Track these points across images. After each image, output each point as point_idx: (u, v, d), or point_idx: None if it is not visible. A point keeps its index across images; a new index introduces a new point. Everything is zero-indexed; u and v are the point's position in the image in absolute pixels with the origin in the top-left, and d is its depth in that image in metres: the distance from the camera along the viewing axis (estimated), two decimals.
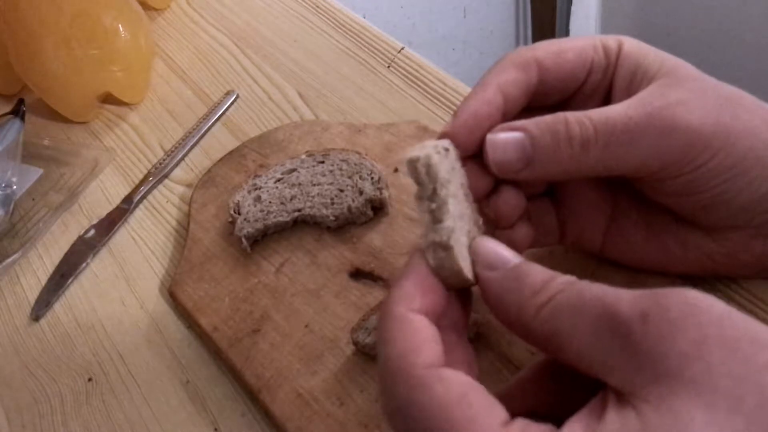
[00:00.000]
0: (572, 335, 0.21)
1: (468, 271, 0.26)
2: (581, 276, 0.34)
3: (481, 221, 0.29)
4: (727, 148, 0.27)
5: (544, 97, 0.30)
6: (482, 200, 0.30)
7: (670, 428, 0.18)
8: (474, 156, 0.29)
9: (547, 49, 0.30)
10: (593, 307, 0.21)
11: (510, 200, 0.30)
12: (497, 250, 0.25)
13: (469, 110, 0.29)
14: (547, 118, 0.28)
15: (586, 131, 0.27)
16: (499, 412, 0.21)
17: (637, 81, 0.29)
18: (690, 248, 0.31)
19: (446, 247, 0.25)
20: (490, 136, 0.28)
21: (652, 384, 0.19)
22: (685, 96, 0.27)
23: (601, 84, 0.30)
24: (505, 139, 0.28)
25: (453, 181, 0.27)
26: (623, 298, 0.21)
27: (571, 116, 0.27)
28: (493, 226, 0.31)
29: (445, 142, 0.28)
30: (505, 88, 0.29)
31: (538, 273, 0.24)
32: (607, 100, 0.30)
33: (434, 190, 0.26)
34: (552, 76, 0.30)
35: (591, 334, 0.21)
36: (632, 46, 0.30)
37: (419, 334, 0.23)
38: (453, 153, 0.28)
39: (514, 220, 0.30)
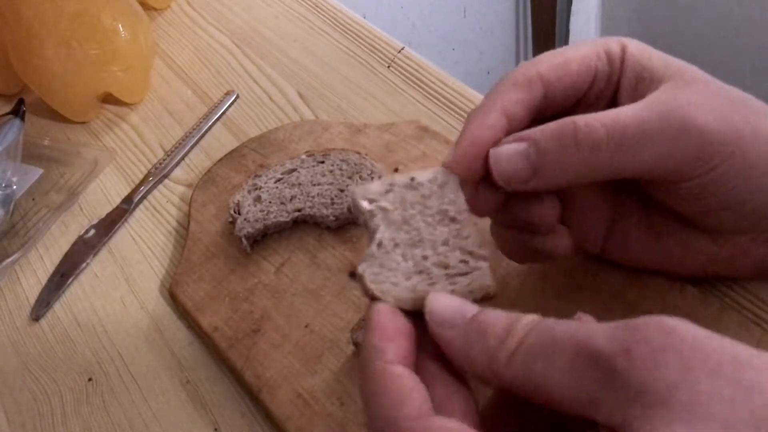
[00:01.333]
0: (551, 377, 0.21)
1: (413, 302, 0.26)
2: (582, 277, 0.34)
3: (472, 240, 0.28)
4: (740, 152, 0.27)
5: (546, 109, 0.30)
6: (516, 210, 0.30)
7: None
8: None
9: (551, 62, 0.30)
10: (568, 345, 0.21)
11: (549, 206, 0.30)
12: (450, 305, 0.25)
13: (470, 138, 0.28)
14: (553, 125, 0.27)
15: (595, 133, 0.26)
16: None
17: (643, 85, 0.29)
18: (691, 251, 0.31)
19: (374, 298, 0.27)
20: (493, 150, 0.28)
21: (644, 414, 0.19)
22: (696, 98, 0.27)
23: (605, 91, 0.30)
24: (507, 150, 0.28)
25: (418, 212, 0.28)
26: (598, 333, 0.20)
27: (580, 119, 0.27)
28: (530, 234, 0.31)
29: (426, 172, 0.29)
30: (509, 109, 0.29)
31: (498, 319, 0.23)
32: (611, 105, 0.30)
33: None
34: (556, 91, 0.30)
35: (571, 374, 0.20)
36: (636, 49, 0.30)
37: (400, 387, 0.23)
38: (440, 179, 0.29)
39: (553, 225, 0.30)
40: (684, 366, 0.19)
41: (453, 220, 0.28)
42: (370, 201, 0.28)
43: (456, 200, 0.29)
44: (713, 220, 0.29)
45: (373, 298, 0.27)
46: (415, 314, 0.26)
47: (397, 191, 0.29)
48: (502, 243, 0.32)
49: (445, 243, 0.28)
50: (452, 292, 0.27)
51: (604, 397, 0.20)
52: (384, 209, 0.28)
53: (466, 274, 0.28)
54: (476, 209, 0.29)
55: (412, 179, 0.29)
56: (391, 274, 0.27)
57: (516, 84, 0.29)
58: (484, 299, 0.28)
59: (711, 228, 0.30)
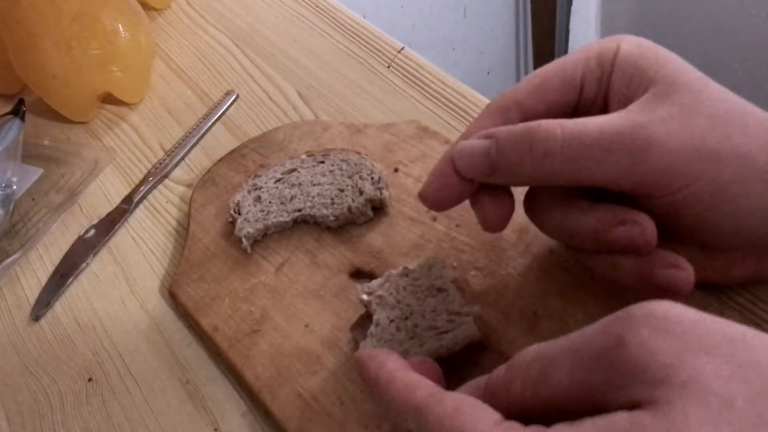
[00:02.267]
0: (558, 395, 0.21)
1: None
2: (582, 276, 0.34)
3: (458, 302, 0.33)
4: (707, 175, 0.26)
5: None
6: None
7: (663, 427, 0.18)
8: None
9: (529, 85, 0.30)
10: (564, 363, 0.21)
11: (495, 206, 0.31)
12: (469, 385, 0.26)
13: (440, 169, 0.30)
14: (519, 126, 0.28)
15: (552, 141, 0.27)
16: (491, 414, 0.22)
17: (634, 86, 0.28)
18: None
19: None
20: (459, 144, 0.30)
21: (643, 393, 0.19)
22: (672, 112, 0.26)
23: (598, 93, 0.30)
24: (471, 145, 0.29)
25: (409, 292, 0.34)
26: (591, 334, 0.21)
27: (544, 124, 0.27)
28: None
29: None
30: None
31: (499, 373, 0.24)
32: (605, 106, 0.30)
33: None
34: (539, 111, 0.30)
35: (574, 385, 0.21)
36: (630, 47, 0.29)
37: (409, 380, 0.25)
38: (428, 263, 0.35)
39: (503, 225, 0.31)
40: (679, 348, 0.19)
41: (440, 290, 0.34)
42: (369, 293, 0.34)
43: (442, 275, 0.34)
44: (694, 237, 0.29)
45: None
46: None
47: (393, 280, 0.35)
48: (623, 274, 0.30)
49: (434, 310, 0.33)
50: (440, 346, 0.32)
51: (607, 390, 0.20)
52: (380, 296, 0.34)
53: (452, 330, 0.32)
54: (443, 197, 0.31)
55: (405, 268, 0.35)
56: (387, 344, 0.32)
57: (491, 114, 0.31)
58: (471, 345, 0.32)
59: (695, 243, 0.29)
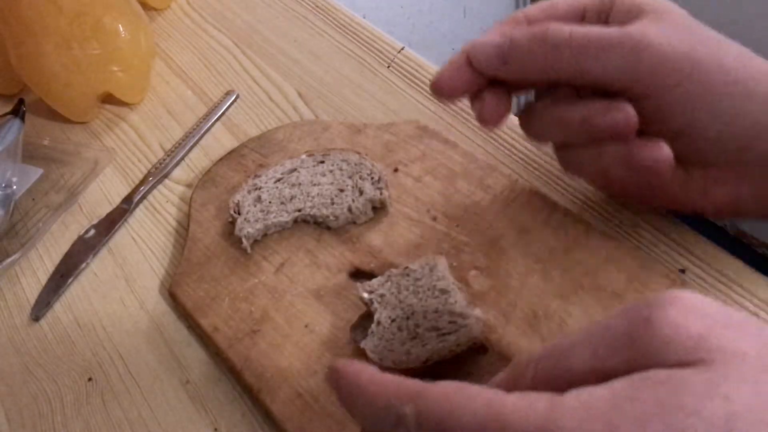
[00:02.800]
0: (581, 379, 0.20)
1: (407, 362, 0.32)
2: (582, 276, 0.35)
3: (459, 304, 0.33)
4: (694, 75, 0.30)
5: None
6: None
7: (703, 378, 0.18)
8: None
9: (539, 6, 0.35)
10: (583, 345, 0.21)
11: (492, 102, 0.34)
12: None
13: (448, 63, 0.34)
14: (532, 26, 0.32)
15: (561, 35, 0.31)
16: (497, 390, 0.21)
17: (631, 17, 0.32)
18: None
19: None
20: (475, 39, 0.33)
21: (678, 357, 0.19)
22: (666, 27, 0.30)
23: (596, 25, 0.33)
24: (485, 39, 0.33)
25: (411, 291, 0.34)
26: (610, 321, 0.21)
27: (556, 23, 0.31)
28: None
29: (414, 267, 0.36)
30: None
31: (501, 375, 0.23)
32: None
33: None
34: None
35: (596, 367, 0.20)
36: None
37: (393, 378, 0.23)
38: (430, 263, 0.35)
39: (499, 120, 0.34)
40: (708, 324, 0.19)
41: (442, 291, 0.34)
42: (370, 292, 0.34)
43: (444, 276, 0.34)
44: (680, 147, 0.31)
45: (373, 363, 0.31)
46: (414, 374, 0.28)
47: (394, 279, 0.35)
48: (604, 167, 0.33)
49: (436, 311, 0.33)
50: (442, 347, 0.31)
51: (634, 368, 0.19)
52: (381, 295, 0.34)
53: (454, 332, 0.32)
54: (452, 84, 0.34)
55: (406, 268, 0.35)
56: (389, 343, 0.32)
57: (502, 24, 0.35)
58: (473, 348, 0.32)
59: (681, 155, 0.31)
